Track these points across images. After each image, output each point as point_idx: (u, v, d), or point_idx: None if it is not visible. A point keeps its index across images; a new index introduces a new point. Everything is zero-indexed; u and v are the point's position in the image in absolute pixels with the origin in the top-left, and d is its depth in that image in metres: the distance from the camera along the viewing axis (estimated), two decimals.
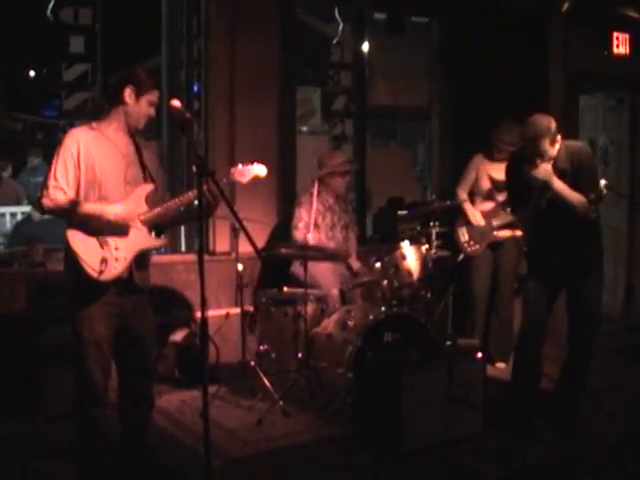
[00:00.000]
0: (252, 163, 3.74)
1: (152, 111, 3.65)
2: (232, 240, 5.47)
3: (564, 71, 7.11)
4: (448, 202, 5.84)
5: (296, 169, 6.44)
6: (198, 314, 3.38)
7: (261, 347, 5.16)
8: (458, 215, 6.02)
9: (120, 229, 3.50)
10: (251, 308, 5.36)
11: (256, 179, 3.76)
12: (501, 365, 5.89)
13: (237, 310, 5.34)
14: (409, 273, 5.26)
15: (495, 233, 5.88)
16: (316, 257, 5.30)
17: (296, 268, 5.61)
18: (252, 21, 6.06)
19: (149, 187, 3.63)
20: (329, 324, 5.07)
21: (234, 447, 4.35)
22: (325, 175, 5.72)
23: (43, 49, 8.44)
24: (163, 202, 3.62)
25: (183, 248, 6.33)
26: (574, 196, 4.22)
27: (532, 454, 4.29)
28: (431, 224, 5.45)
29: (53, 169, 3.46)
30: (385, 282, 5.29)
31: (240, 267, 5.21)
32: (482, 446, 4.36)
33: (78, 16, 6.26)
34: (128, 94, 3.56)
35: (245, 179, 3.74)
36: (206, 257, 3.38)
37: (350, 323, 4.92)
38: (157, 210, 3.59)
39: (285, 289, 5.40)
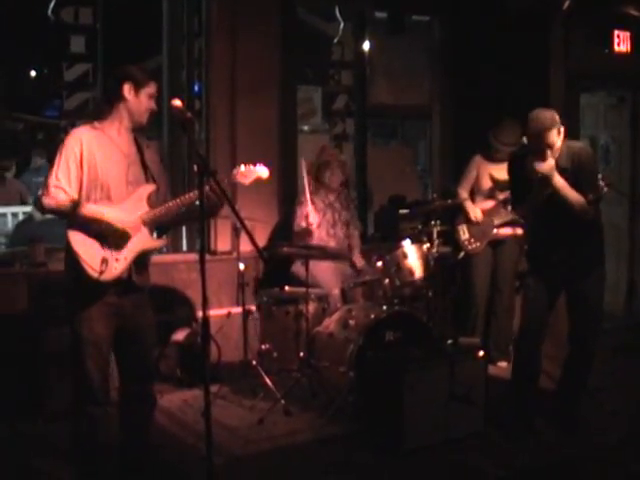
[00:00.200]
0: (254, 164, 3.74)
1: (153, 104, 3.66)
2: (233, 239, 5.47)
3: (565, 69, 7.11)
4: (449, 201, 5.84)
5: (297, 168, 6.44)
6: (200, 313, 3.40)
7: (263, 346, 5.16)
8: (459, 213, 6.03)
9: (119, 234, 3.49)
10: (253, 307, 5.36)
11: (258, 180, 3.76)
12: (502, 364, 5.89)
13: (238, 309, 5.34)
14: (410, 272, 5.26)
15: (495, 231, 5.88)
16: (317, 256, 5.30)
17: (297, 267, 5.61)
18: (253, 20, 6.06)
19: (150, 187, 3.63)
20: (330, 323, 5.07)
21: (236, 446, 4.35)
22: (315, 170, 5.79)
23: (44, 49, 8.45)
24: (165, 202, 3.62)
25: (185, 247, 6.33)
26: (573, 195, 4.22)
27: (533, 453, 4.29)
28: (432, 223, 5.45)
29: (55, 168, 3.46)
30: (386, 281, 5.30)
31: (241, 266, 5.21)
32: (483, 445, 4.36)
33: (79, 16, 6.27)
34: (127, 90, 3.56)
35: (247, 180, 3.73)
36: (207, 256, 3.40)
37: (351, 322, 4.92)
38: (158, 210, 3.59)
39: (287, 288, 5.41)
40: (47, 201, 3.44)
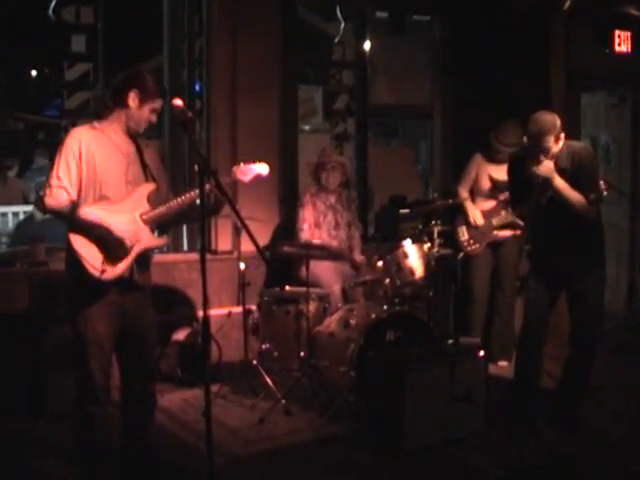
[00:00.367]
0: (254, 162, 3.74)
1: (154, 118, 3.66)
2: (234, 239, 5.47)
3: (565, 69, 7.12)
4: (450, 200, 5.84)
5: (298, 168, 6.44)
6: (200, 313, 3.39)
7: (263, 346, 5.16)
8: (459, 213, 6.03)
9: (116, 239, 3.48)
10: (253, 307, 5.36)
11: (258, 178, 3.77)
12: (503, 363, 5.89)
13: (239, 309, 5.34)
14: (411, 272, 5.27)
15: (495, 232, 5.88)
16: (319, 256, 5.31)
17: (299, 268, 5.61)
18: (253, 20, 6.06)
19: (150, 186, 3.63)
20: (331, 323, 5.08)
21: (236, 446, 4.35)
22: (313, 172, 5.83)
23: (45, 48, 8.44)
24: (166, 201, 3.62)
25: (185, 247, 6.34)
26: (574, 195, 4.21)
27: (534, 453, 4.28)
28: (433, 222, 5.44)
29: (55, 168, 3.46)
30: (387, 280, 5.31)
31: (242, 266, 5.21)
32: (484, 445, 4.36)
33: (80, 15, 6.25)
34: (132, 98, 3.55)
35: (247, 178, 3.74)
36: (208, 256, 3.40)
37: (352, 322, 4.92)
38: (159, 209, 3.59)
39: (287, 288, 5.41)
40: (49, 201, 3.44)
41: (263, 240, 5.72)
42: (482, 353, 4.61)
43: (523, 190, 4.42)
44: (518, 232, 5.76)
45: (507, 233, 5.86)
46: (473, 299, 6.01)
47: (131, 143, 3.66)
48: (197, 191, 3.29)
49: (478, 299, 6.00)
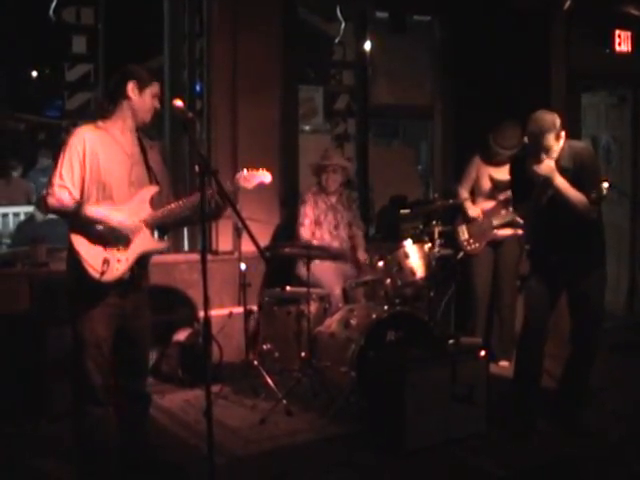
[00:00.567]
0: (257, 169, 3.74)
1: (157, 103, 3.67)
2: (235, 239, 5.48)
3: (566, 69, 7.12)
4: (450, 200, 5.84)
5: (298, 168, 6.45)
6: (201, 313, 3.40)
7: (264, 346, 5.17)
8: (459, 213, 6.03)
9: (121, 236, 3.50)
10: (254, 307, 5.37)
11: (261, 185, 3.77)
12: (504, 363, 5.89)
13: (240, 309, 5.35)
14: (412, 272, 5.27)
15: (495, 232, 5.88)
16: (319, 256, 5.31)
17: (299, 268, 5.62)
18: (254, 20, 6.07)
19: (153, 189, 3.64)
20: (332, 323, 5.08)
21: (237, 446, 4.35)
22: (317, 172, 5.86)
23: (45, 49, 8.45)
24: (167, 204, 3.62)
25: (186, 247, 6.35)
26: (575, 195, 4.22)
27: (534, 453, 4.29)
28: (433, 223, 5.44)
29: (59, 168, 3.46)
30: (388, 281, 5.31)
31: (243, 266, 5.21)
32: (485, 445, 4.37)
33: (80, 16, 6.26)
34: (131, 88, 3.57)
35: (250, 185, 3.74)
36: (209, 257, 3.40)
37: (353, 322, 4.93)
38: (161, 213, 3.59)
39: (288, 288, 5.41)
40: (52, 201, 3.44)
41: (264, 240, 5.72)
42: (483, 353, 4.61)
43: (525, 189, 4.42)
44: (519, 231, 5.76)
45: (507, 232, 5.86)
46: (474, 299, 6.01)
47: (136, 144, 3.66)
48: (198, 195, 3.29)
49: (479, 299, 5.99)
